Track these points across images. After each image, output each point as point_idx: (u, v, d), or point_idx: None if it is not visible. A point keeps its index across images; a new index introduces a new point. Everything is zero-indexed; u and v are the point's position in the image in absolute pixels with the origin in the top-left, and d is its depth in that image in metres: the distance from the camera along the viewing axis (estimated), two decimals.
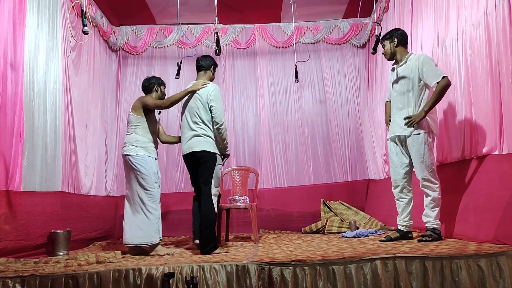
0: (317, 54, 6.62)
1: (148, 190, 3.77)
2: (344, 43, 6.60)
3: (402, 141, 3.59)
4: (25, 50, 4.00)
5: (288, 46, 6.55)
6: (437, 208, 3.43)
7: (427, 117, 3.40)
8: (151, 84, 4.12)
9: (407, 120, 3.42)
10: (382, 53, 3.80)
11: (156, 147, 4.02)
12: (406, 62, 3.59)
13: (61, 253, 4.04)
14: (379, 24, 5.56)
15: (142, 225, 3.73)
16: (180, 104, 3.92)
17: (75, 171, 4.91)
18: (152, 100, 3.93)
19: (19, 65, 3.88)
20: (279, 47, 6.60)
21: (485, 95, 3.26)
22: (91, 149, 5.45)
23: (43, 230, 4.07)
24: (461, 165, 3.64)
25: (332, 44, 6.61)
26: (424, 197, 3.49)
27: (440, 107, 3.97)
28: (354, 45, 6.62)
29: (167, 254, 3.71)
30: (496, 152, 3.17)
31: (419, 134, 3.44)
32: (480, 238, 3.06)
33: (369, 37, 6.42)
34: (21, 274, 2.69)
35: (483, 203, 3.20)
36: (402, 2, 5.00)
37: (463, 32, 3.57)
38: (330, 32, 6.59)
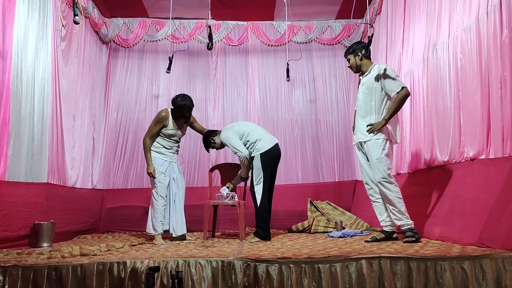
0: (309, 54, 6.63)
1: (154, 187, 4.36)
2: (336, 43, 6.62)
3: (363, 147, 3.69)
4: (14, 39, 3.92)
5: (281, 45, 6.54)
6: (401, 204, 3.50)
7: (387, 125, 3.56)
8: (174, 105, 4.42)
9: (369, 127, 3.57)
10: (348, 67, 3.89)
11: (175, 152, 4.55)
12: (370, 72, 3.71)
13: (45, 244, 3.98)
14: (372, 26, 5.59)
15: (150, 215, 4.39)
16: None
17: (61, 163, 4.84)
18: (151, 127, 4.43)
19: (7, 54, 3.81)
20: (271, 45, 6.59)
21: (474, 100, 3.29)
22: (78, 141, 5.39)
23: (26, 221, 4.01)
24: (448, 168, 3.67)
25: (324, 44, 6.63)
26: (385, 202, 3.58)
27: (429, 110, 4.01)
28: (346, 46, 6.61)
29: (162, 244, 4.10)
30: (483, 156, 3.20)
31: (378, 138, 3.57)
32: (465, 241, 3.09)
33: (361, 39, 6.43)
34: (3, 265, 2.66)
35: (468, 207, 3.23)
36: (395, 4, 5.03)
37: (454, 37, 3.60)
38: (323, 32, 6.60)
